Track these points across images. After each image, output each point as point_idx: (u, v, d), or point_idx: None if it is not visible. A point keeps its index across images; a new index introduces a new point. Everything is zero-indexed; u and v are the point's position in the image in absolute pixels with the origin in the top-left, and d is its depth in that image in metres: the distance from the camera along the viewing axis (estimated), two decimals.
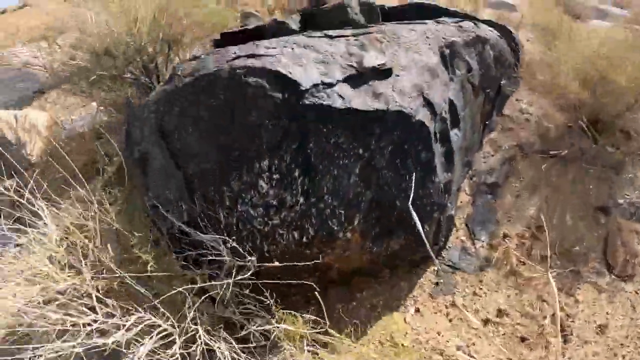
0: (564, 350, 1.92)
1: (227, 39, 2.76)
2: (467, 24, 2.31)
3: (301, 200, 1.43)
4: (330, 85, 1.43)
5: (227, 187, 1.48)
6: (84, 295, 1.33)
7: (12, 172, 2.26)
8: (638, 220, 2.30)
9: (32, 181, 1.60)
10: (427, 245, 1.39)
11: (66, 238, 1.36)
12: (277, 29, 2.86)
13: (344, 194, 1.50)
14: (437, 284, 2.06)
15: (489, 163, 2.26)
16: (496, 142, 2.41)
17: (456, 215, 2.13)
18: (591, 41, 2.58)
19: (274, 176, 1.39)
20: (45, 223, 1.34)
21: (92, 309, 1.30)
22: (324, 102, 1.38)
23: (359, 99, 1.45)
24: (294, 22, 2.99)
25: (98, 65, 2.12)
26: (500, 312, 2.05)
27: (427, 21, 2.33)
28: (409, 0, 3.88)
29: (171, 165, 1.61)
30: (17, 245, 2.02)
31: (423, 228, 1.83)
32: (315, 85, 1.40)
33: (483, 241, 2.11)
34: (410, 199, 1.40)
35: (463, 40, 2.08)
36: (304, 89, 1.38)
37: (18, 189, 1.55)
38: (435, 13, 2.94)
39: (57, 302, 1.30)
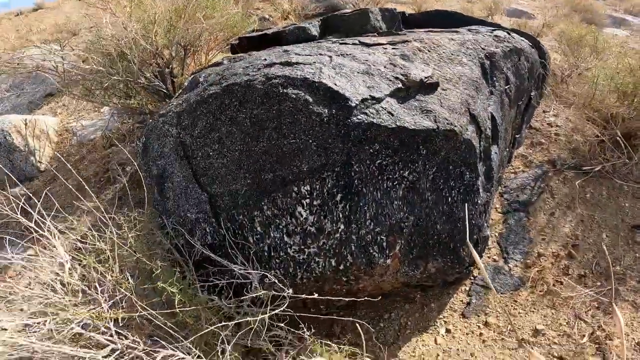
0: None
1: (245, 44, 2.55)
2: (501, 33, 2.13)
3: (342, 227, 1.25)
4: (379, 100, 1.24)
5: (258, 212, 1.29)
6: (101, 327, 1.15)
7: (17, 181, 2.06)
8: None
9: (49, 189, 1.40)
10: (483, 268, 1.21)
11: (79, 263, 1.17)
12: (297, 35, 2.66)
13: (386, 220, 1.32)
14: (469, 304, 1.89)
15: (520, 179, 2.08)
16: (526, 157, 2.23)
17: (489, 235, 1.96)
18: (617, 49, 2.40)
19: (315, 202, 1.21)
20: (55, 247, 1.15)
21: (111, 342, 1.12)
22: (374, 120, 1.20)
23: (409, 117, 1.27)
24: (313, 27, 2.79)
25: (113, 69, 1.92)
26: (536, 332, 1.88)
27: (460, 30, 2.15)
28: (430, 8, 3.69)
29: (194, 184, 1.42)
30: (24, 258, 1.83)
31: (461, 250, 1.66)
32: (364, 100, 1.21)
33: (517, 260, 1.94)
34: (467, 234, 1.22)
35: (502, 51, 1.90)
36: (353, 104, 1.19)
37: (23, 205, 1.37)
38: (461, 21, 2.76)
39: (71, 334, 1.12)
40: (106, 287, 1.22)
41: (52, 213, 1.35)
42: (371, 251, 1.33)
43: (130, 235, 1.19)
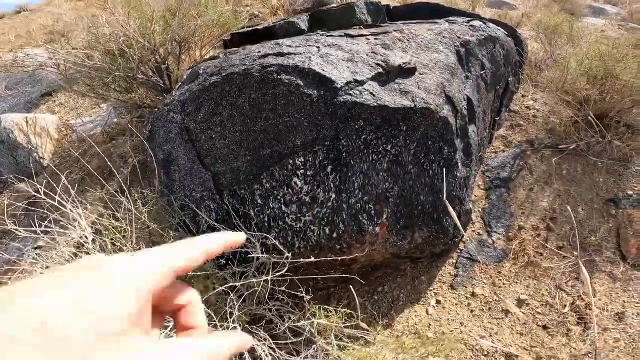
0: (584, 337, 2.00)
1: (237, 40, 2.80)
2: (477, 23, 2.40)
3: (333, 196, 1.48)
4: (362, 83, 1.48)
5: (258, 185, 1.51)
6: None
7: (23, 177, 2.25)
8: None
9: (55, 184, 1.60)
10: (462, 231, 1.45)
11: (100, 238, 1.38)
12: (287, 30, 2.91)
13: (373, 190, 1.55)
14: (456, 276, 2.12)
15: (500, 158, 2.34)
16: (506, 138, 2.49)
17: (473, 210, 2.20)
18: (592, 38, 2.69)
19: (308, 172, 1.43)
20: (79, 224, 1.35)
21: None
22: (358, 100, 1.43)
23: (389, 97, 1.51)
24: (302, 22, 3.05)
25: (113, 66, 2.12)
26: (520, 302, 2.12)
27: (438, 21, 2.41)
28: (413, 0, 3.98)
29: (198, 165, 1.63)
30: (37, 248, 2.01)
31: (445, 221, 1.90)
32: (349, 83, 1.45)
33: (500, 234, 2.19)
34: (445, 194, 1.46)
35: (477, 40, 2.16)
36: (338, 86, 1.43)
37: (35, 193, 1.56)
38: (443, 13, 3.04)
39: None
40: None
41: (69, 199, 1.55)
42: (361, 219, 1.56)
43: (144, 211, 1.39)
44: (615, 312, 2.22)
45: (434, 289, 2.12)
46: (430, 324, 2.06)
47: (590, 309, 2.23)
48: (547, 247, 2.11)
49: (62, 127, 2.50)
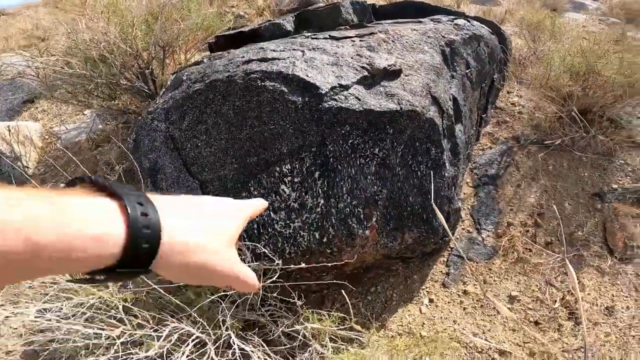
0: (576, 332, 2.05)
1: (222, 42, 2.77)
2: (461, 22, 2.42)
3: (322, 202, 1.48)
4: (347, 87, 1.48)
5: (246, 193, 1.51)
6: (111, 308, 1.33)
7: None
8: (633, 204, 2.48)
9: None
10: (449, 234, 1.47)
11: None
12: (273, 32, 2.90)
13: (361, 194, 1.56)
14: (448, 274, 2.15)
15: (488, 155, 2.37)
16: (493, 134, 2.53)
17: (462, 208, 2.23)
18: (574, 33, 2.74)
19: (295, 179, 1.44)
20: None
21: (121, 321, 1.31)
22: (343, 105, 1.43)
23: (374, 100, 1.51)
24: (288, 23, 3.03)
25: (95, 72, 2.09)
26: (512, 298, 2.17)
27: (423, 20, 2.42)
28: None
29: (185, 173, 1.62)
30: None
31: (434, 221, 1.92)
32: (333, 88, 1.45)
33: (489, 231, 2.22)
34: (432, 197, 1.47)
35: (461, 39, 2.18)
36: (323, 92, 1.43)
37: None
38: (427, 11, 3.05)
39: (84, 316, 1.30)
40: None
41: None
42: (350, 223, 1.57)
43: None
44: (604, 306, 2.28)
45: (426, 287, 2.15)
46: (423, 323, 2.08)
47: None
48: (535, 243, 2.15)
49: (46, 135, 2.45)
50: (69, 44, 2.21)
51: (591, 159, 2.52)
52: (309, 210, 1.48)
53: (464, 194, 2.29)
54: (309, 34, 2.24)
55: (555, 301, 2.23)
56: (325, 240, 1.57)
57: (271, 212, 1.48)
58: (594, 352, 1.81)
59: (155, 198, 0.34)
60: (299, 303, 1.55)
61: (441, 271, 2.17)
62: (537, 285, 2.21)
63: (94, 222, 0.28)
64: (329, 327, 1.55)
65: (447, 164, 1.83)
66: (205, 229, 0.36)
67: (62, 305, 1.25)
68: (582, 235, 2.34)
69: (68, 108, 2.57)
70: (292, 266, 1.44)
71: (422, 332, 2.09)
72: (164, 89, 2.01)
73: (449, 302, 2.14)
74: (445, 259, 2.18)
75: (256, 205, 0.45)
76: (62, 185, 0.35)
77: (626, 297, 2.32)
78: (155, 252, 0.31)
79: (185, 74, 1.88)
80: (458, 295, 2.15)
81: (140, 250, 0.30)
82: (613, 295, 2.31)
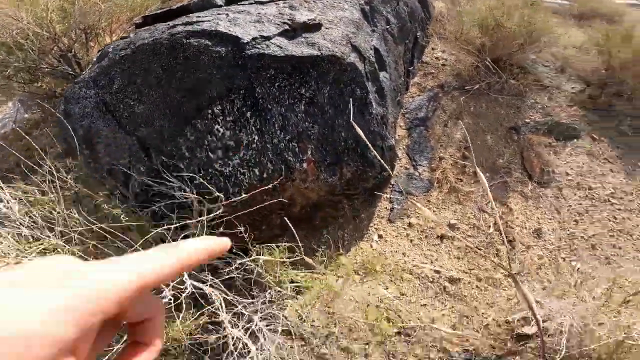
0: (513, 256, 2.36)
1: (150, 21, 2.81)
2: None
3: (256, 138, 1.62)
4: (268, 38, 1.63)
5: (183, 139, 1.61)
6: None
7: None
8: (544, 134, 2.86)
9: None
10: (386, 166, 1.66)
11: (28, 213, 1.39)
12: (202, 6, 2.97)
13: (294, 129, 1.72)
14: (392, 210, 2.38)
15: (417, 102, 2.64)
16: (420, 84, 2.81)
17: (398, 147, 2.47)
18: None
19: (228, 119, 1.56)
20: (8, 201, 1.36)
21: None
22: (265, 51, 1.58)
23: (296, 48, 1.68)
24: None
25: (11, 58, 2.06)
26: (452, 227, 2.43)
27: None
28: None
29: (121, 133, 1.69)
30: None
31: (369, 154, 2.12)
32: (255, 39, 1.59)
33: (424, 166, 2.48)
34: (351, 117, 1.66)
35: None
36: (244, 42, 1.56)
37: None
38: None
39: None
40: (57, 228, 1.44)
41: None
42: (286, 156, 1.72)
43: (69, 177, 1.43)
44: (532, 229, 2.63)
45: (374, 224, 2.36)
46: (376, 258, 2.28)
47: (511, 227, 2.60)
48: (465, 173, 2.43)
49: None
50: None
51: (506, 99, 2.88)
52: (245, 147, 1.61)
53: (399, 135, 2.53)
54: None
55: (490, 226, 2.53)
56: (265, 175, 1.71)
57: (209, 153, 1.60)
58: (532, 274, 2.04)
59: None
60: (246, 236, 1.67)
61: (386, 207, 2.39)
62: (472, 213, 2.51)
63: None
64: (280, 258, 1.69)
65: (374, 104, 2.04)
66: None
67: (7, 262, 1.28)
68: (503, 163, 2.68)
69: None
70: (235, 199, 1.56)
71: (376, 267, 2.28)
72: (90, 65, 2.04)
73: (396, 236, 2.37)
74: (388, 196, 2.41)
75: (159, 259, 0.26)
76: None
77: (550, 219, 2.69)
78: None
79: (111, 47, 1.93)
80: (404, 228, 2.39)
81: None
82: (539, 218, 2.67)
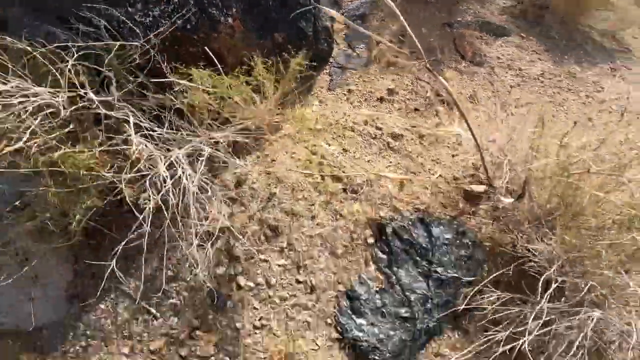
0: (452, 114, 2.47)
1: None
2: None
3: None
4: None
5: None
6: None
7: None
8: (476, 30, 3.09)
9: None
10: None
11: None
12: None
13: None
14: (331, 80, 2.55)
15: (356, 3, 2.93)
16: None
17: (336, 36, 2.70)
18: None
19: None
20: None
21: None
22: None
23: None
24: None
25: None
26: (390, 91, 2.58)
27: None
28: None
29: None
30: None
31: (300, 24, 2.34)
32: None
33: (361, 48, 2.70)
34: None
35: None
36: None
37: None
38: None
39: None
40: None
41: None
42: (210, 10, 1.88)
43: None
44: (469, 95, 2.76)
45: (314, 93, 2.51)
46: (317, 119, 2.39)
47: (448, 94, 2.72)
48: (402, 52, 2.63)
49: None
50: None
51: (440, 2, 3.16)
52: (166, 1, 1.77)
53: (336, 28, 2.77)
54: None
55: (427, 91, 2.67)
56: (189, 27, 1.83)
57: (128, 7, 1.70)
58: (473, 128, 2.09)
59: None
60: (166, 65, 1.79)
61: (325, 80, 2.55)
62: (409, 81, 2.66)
63: None
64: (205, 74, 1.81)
65: None
66: None
67: None
68: (437, 46, 2.87)
69: None
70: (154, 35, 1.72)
71: (318, 126, 2.39)
72: None
73: (336, 101, 2.51)
74: (328, 71, 2.58)
75: None
76: None
77: (485, 89, 2.83)
78: None
79: None
80: (344, 94, 2.53)
81: None
82: (474, 88, 2.80)
